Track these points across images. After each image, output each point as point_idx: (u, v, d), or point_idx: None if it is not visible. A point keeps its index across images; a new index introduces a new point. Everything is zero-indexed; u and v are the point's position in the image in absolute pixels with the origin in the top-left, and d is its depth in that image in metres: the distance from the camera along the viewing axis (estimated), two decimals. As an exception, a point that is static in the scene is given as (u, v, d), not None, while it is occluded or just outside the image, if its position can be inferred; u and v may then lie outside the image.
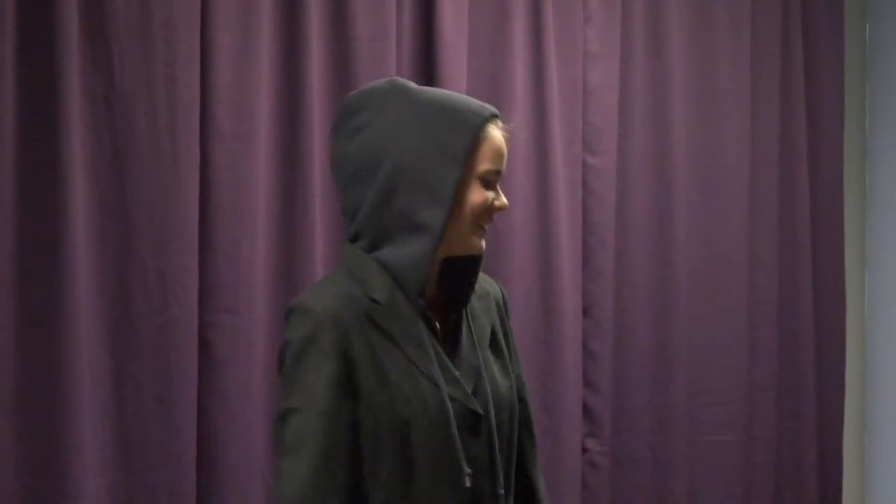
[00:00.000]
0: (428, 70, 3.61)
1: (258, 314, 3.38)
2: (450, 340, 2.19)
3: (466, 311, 2.22)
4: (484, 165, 2.16)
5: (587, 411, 3.83)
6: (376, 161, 2.11)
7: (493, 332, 2.27)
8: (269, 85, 3.42)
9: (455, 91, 3.53)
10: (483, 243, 2.20)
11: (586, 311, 3.84)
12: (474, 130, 2.13)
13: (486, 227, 2.20)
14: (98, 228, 3.23)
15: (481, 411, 2.14)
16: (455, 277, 2.22)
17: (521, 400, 2.31)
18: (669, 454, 3.92)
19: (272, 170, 3.41)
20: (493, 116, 2.18)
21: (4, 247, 3.12)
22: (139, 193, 3.26)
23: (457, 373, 2.14)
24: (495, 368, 2.22)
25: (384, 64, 3.52)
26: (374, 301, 2.11)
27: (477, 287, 2.26)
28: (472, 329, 2.22)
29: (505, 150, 2.20)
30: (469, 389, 2.14)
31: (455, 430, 2.09)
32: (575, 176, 3.81)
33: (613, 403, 3.87)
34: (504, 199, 2.21)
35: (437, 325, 2.17)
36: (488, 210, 2.17)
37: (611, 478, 3.86)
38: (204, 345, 3.31)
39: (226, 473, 3.32)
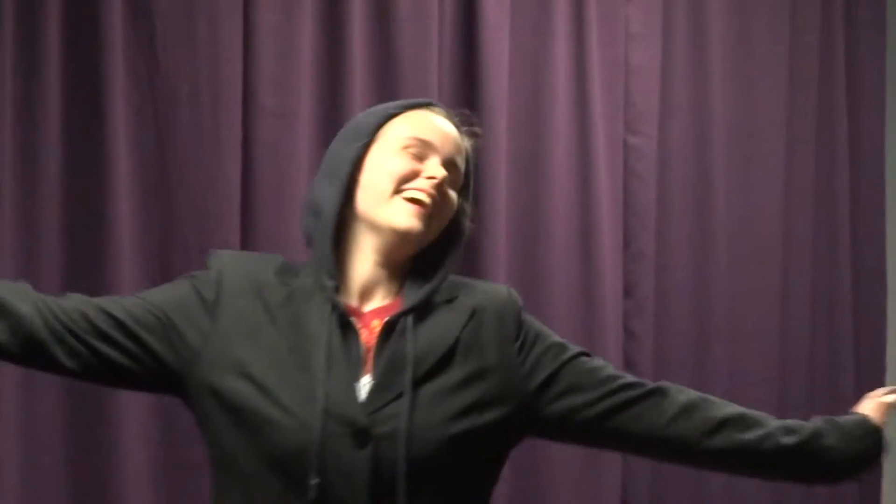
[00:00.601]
0: (469, 49, 3.61)
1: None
2: (381, 349, 1.92)
3: (405, 321, 1.94)
4: (403, 133, 2.00)
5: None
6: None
7: (460, 350, 1.95)
8: (311, 63, 3.43)
9: (498, 71, 3.56)
10: (410, 218, 1.96)
11: (627, 293, 3.84)
12: (387, 111, 2.04)
13: (420, 199, 1.97)
14: (141, 208, 3.25)
15: (366, 422, 1.84)
16: (423, 277, 2.00)
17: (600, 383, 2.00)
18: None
19: (314, 148, 3.42)
20: (419, 106, 2.06)
21: (51, 227, 3.15)
22: (182, 172, 3.28)
23: (358, 382, 1.89)
24: (429, 395, 1.89)
25: (426, 42, 3.52)
26: (281, 282, 1.96)
27: (466, 298, 2.01)
28: (408, 343, 1.91)
29: (437, 126, 2.02)
30: (359, 401, 1.86)
31: (316, 435, 1.83)
32: (616, 157, 3.80)
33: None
34: (436, 170, 1.98)
35: (359, 327, 1.94)
36: (407, 177, 1.97)
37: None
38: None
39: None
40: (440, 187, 1.98)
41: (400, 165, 1.97)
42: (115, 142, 3.18)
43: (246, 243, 3.33)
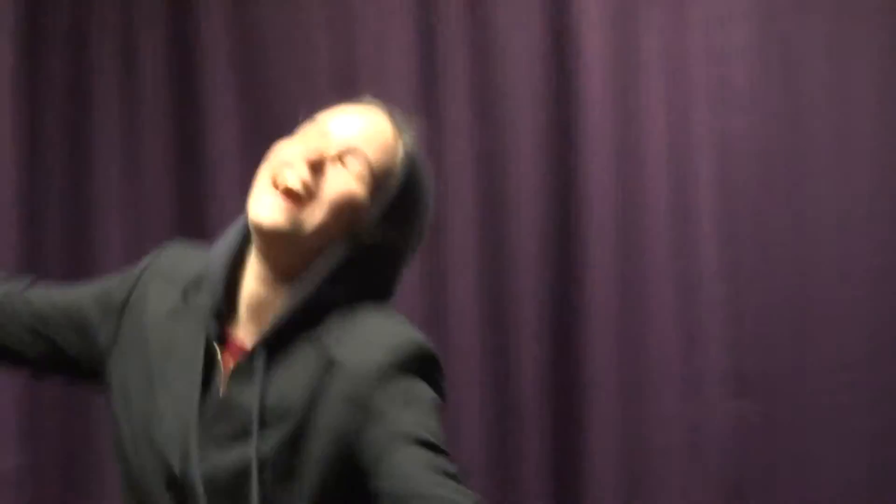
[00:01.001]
0: (563, 39, 3.66)
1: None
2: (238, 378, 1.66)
3: (257, 351, 1.65)
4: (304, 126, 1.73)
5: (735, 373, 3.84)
6: None
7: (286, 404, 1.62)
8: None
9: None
10: (272, 210, 1.64)
11: (728, 276, 3.85)
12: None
13: (288, 186, 1.65)
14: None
15: (174, 464, 1.65)
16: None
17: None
18: (809, 415, 3.92)
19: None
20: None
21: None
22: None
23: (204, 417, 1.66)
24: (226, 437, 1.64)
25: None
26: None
27: (334, 341, 1.65)
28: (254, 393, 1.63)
29: (346, 114, 1.73)
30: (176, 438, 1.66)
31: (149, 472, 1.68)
32: (714, 138, 3.82)
33: (758, 366, 3.88)
34: (319, 151, 1.66)
35: (218, 351, 1.68)
36: (286, 164, 1.66)
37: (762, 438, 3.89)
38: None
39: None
40: (317, 166, 1.65)
41: (282, 151, 1.68)
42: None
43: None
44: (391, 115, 1.76)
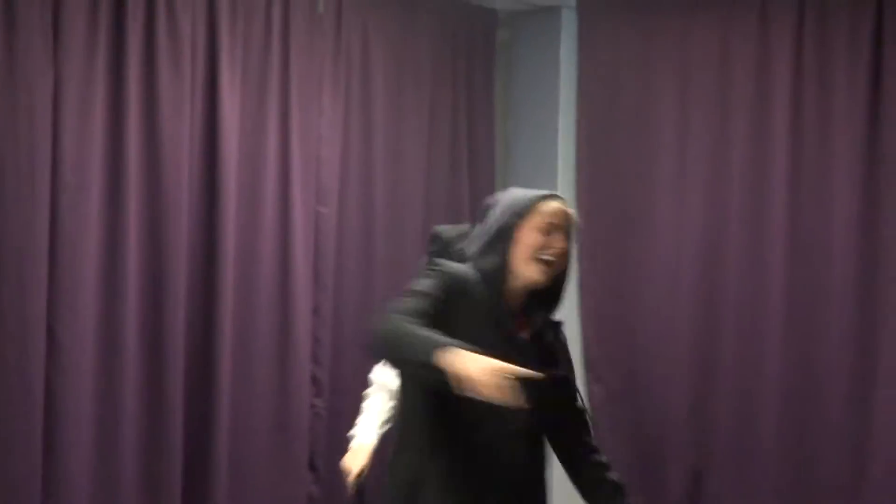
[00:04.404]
0: (211, 145, 5.20)
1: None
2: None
3: (540, 329, 3.24)
4: (537, 219, 3.18)
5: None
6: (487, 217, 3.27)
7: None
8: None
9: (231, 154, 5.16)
10: (538, 273, 3.14)
11: (314, 311, 5.51)
12: (529, 202, 3.21)
13: (548, 259, 3.16)
14: None
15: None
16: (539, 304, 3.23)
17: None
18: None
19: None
20: (545, 198, 3.22)
21: None
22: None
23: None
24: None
25: (181, 138, 5.09)
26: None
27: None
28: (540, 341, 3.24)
29: (560, 210, 3.19)
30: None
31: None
32: (310, 221, 5.51)
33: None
34: (556, 245, 3.17)
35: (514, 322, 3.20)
36: (538, 248, 3.15)
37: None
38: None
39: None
40: (562, 253, 3.20)
41: (532, 240, 3.18)
42: None
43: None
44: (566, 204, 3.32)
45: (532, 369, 2.96)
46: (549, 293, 3.24)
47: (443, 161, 6.04)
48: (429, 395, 3.11)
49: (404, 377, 3.20)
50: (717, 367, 5.81)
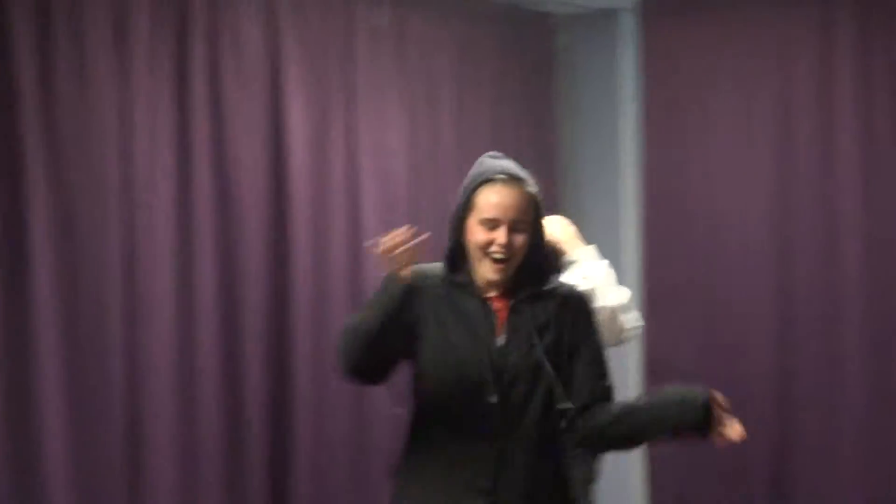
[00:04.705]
0: (279, 159, 5.26)
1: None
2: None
3: (513, 307, 3.09)
4: (476, 214, 3.07)
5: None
6: None
7: (545, 326, 3.10)
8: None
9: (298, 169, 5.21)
10: (492, 272, 3.04)
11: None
12: (467, 193, 3.13)
13: (497, 257, 3.04)
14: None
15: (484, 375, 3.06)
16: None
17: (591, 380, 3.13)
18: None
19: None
20: (483, 183, 3.10)
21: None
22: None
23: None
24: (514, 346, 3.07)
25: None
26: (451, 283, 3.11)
27: (551, 289, 3.13)
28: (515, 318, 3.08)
29: (497, 204, 3.04)
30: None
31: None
32: (380, 233, 5.44)
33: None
34: (500, 237, 3.03)
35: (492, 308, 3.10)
36: (484, 245, 3.05)
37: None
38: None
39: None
40: (508, 247, 3.04)
41: (481, 238, 3.06)
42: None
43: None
44: (516, 179, 3.18)
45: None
46: (536, 266, 3.16)
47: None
48: (417, 399, 3.17)
49: (369, 347, 3.07)
50: (796, 367, 5.79)
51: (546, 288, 3.17)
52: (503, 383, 3.06)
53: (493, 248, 3.06)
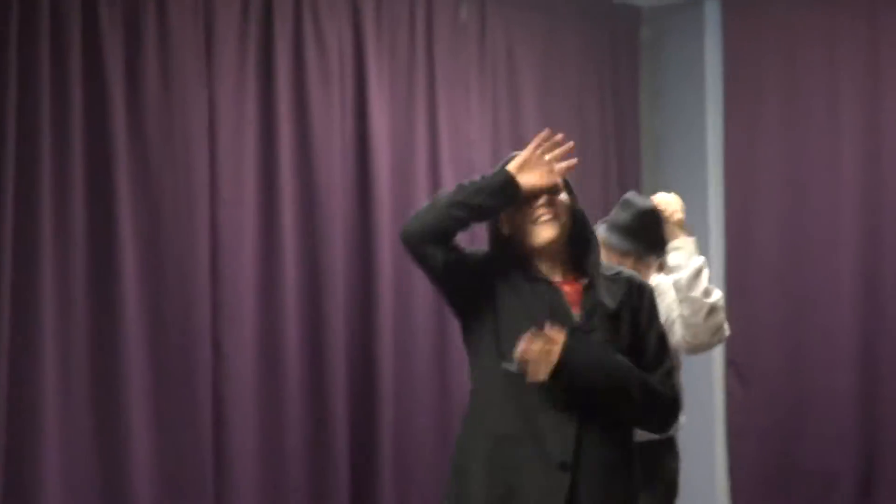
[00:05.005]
0: (362, 153, 5.28)
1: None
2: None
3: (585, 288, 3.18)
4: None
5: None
6: None
7: (618, 309, 3.17)
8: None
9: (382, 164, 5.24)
10: (546, 233, 3.13)
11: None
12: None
13: (546, 218, 3.12)
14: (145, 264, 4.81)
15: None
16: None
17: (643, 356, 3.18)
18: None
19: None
20: None
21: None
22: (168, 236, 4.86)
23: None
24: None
25: (332, 151, 5.18)
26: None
27: (615, 275, 3.21)
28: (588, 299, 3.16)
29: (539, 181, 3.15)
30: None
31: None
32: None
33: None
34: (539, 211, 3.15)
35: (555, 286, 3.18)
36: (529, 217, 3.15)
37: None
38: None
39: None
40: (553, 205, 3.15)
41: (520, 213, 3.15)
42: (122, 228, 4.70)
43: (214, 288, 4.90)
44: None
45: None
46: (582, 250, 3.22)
47: (593, 161, 6.03)
48: (485, 366, 3.15)
49: (444, 227, 3.12)
50: (883, 361, 5.69)
51: (610, 273, 3.24)
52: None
53: (541, 211, 3.15)
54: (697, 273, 4.03)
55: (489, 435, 3.11)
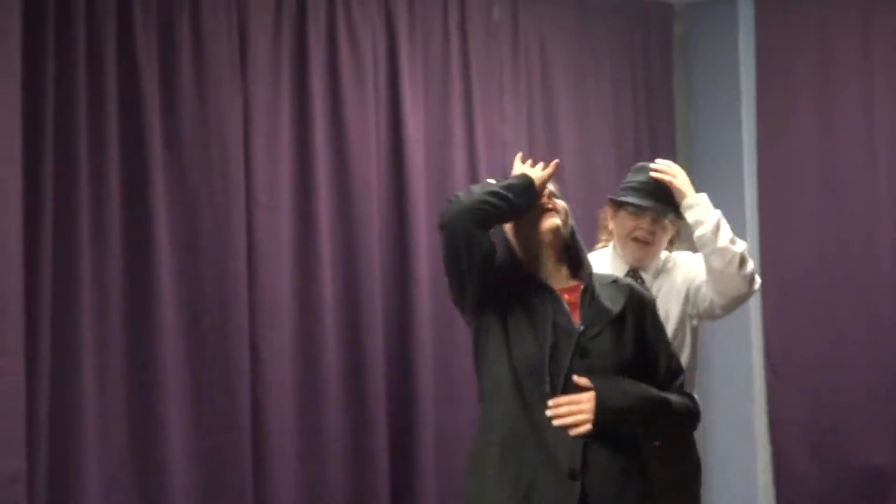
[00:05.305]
0: (397, 156, 5.28)
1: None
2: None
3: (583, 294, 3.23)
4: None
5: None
6: None
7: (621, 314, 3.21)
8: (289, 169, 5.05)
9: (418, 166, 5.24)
10: (553, 227, 3.20)
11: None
12: None
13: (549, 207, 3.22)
14: (180, 269, 4.82)
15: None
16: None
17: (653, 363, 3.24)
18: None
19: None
20: None
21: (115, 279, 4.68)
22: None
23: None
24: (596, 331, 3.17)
25: (367, 154, 5.19)
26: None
27: (612, 282, 3.28)
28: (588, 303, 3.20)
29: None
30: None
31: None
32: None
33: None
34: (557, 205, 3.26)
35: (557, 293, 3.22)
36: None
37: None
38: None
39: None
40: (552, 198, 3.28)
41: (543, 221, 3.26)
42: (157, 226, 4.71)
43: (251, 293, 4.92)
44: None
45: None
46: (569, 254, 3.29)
47: (627, 159, 5.96)
48: (494, 376, 3.18)
49: (477, 217, 3.18)
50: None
51: (608, 281, 3.30)
52: (585, 368, 3.14)
53: (546, 201, 3.24)
54: (719, 224, 4.00)
55: (500, 442, 3.13)
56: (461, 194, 3.23)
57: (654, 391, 3.18)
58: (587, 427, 3.05)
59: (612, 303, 3.22)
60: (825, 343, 5.89)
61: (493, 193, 3.17)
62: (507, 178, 3.26)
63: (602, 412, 3.07)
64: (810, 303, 5.95)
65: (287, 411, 4.94)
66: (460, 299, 3.34)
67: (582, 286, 3.24)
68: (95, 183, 4.55)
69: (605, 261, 4.16)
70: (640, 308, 3.26)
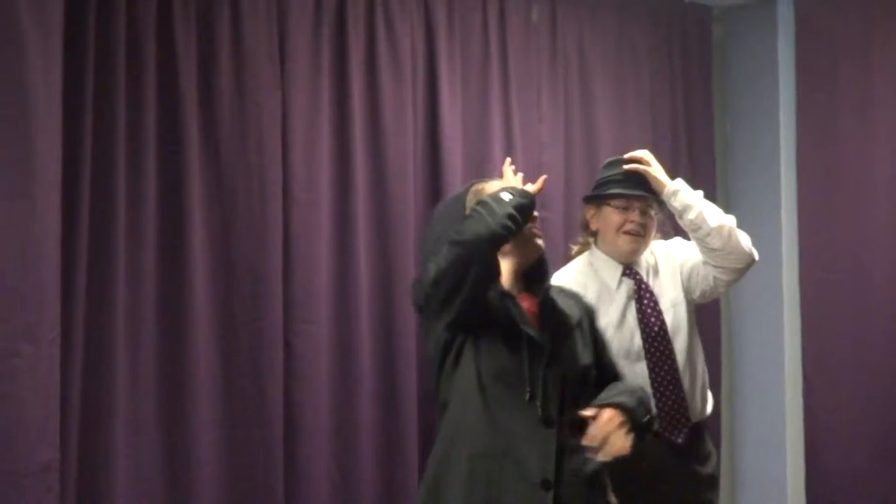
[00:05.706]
0: (434, 155, 5.29)
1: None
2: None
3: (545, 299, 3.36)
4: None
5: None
6: None
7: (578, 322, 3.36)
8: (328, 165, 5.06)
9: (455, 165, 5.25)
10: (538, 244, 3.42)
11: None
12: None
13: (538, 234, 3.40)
14: (213, 267, 4.83)
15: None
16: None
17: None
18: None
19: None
20: None
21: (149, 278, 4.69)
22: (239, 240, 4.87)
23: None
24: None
25: (405, 156, 5.20)
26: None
27: (559, 290, 3.44)
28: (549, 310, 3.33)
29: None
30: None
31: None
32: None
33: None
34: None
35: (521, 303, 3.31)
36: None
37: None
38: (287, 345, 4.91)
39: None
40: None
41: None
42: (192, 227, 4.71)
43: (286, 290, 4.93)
44: None
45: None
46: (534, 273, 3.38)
47: (665, 162, 5.92)
48: (461, 387, 3.22)
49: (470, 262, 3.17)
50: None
51: (556, 289, 3.42)
52: (561, 375, 3.22)
53: (539, 241, 3.40)
54: (705, 205, 4.07)
55: (467, 454, 3.14)
56: (482, 210, 3.19)
57: (626, 384, 3.36)
58: (630, 439, 3.08)
59: (570, 310, 3.35)
60: (863, 348, 5.85)
61: (510, 217, 3.18)
62: (510, 191, 3.26)
63: (632, 418, 3.08)
64: (848, 307, 5.91)
65: (320, 408, 4.95)
66: (446, 313, 3.24)
67: (539, 296, 3.32)
68: (132, 179, 4.57)
69: (583, 270, 4.19)
70: (589, 314, 3.42)
